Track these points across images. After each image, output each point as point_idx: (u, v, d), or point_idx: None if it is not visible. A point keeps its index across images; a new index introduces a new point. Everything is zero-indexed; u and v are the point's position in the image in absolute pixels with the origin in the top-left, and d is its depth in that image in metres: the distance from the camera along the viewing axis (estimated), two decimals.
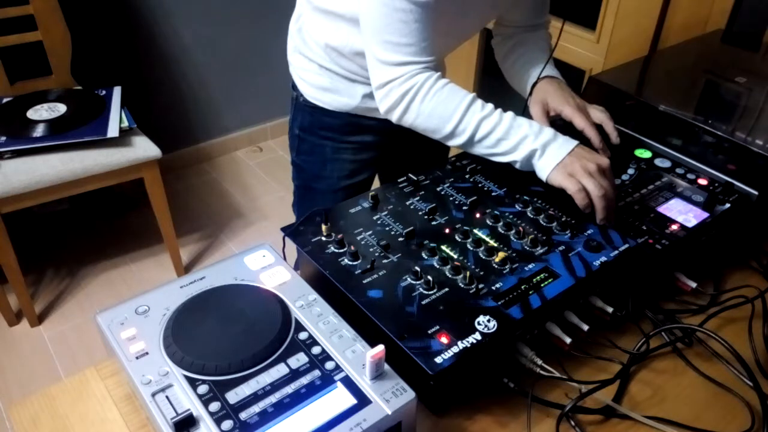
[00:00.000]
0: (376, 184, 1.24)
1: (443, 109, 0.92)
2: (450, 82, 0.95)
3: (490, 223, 0.87)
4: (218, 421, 0.60)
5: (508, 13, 1.16)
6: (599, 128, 1.02)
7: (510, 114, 0.93)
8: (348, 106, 1.15)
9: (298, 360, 0.66)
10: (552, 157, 0.89)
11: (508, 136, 0.91)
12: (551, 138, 0.91)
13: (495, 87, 1.19)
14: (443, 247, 0.82)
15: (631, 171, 1.00)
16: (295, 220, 0.96)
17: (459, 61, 2.23)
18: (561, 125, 1.01)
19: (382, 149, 1.24)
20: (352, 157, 1.22)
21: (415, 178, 0.96)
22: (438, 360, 0.67)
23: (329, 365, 0.66)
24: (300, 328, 0.70)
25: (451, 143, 0.96)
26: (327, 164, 1.22)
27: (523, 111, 1.11)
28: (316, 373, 0.65)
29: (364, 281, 0.77)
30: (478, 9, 1.05)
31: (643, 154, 1.04)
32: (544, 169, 0.90)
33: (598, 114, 1.05)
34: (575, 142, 0.91)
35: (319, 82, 1.15)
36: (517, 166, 0.92)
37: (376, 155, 1.25)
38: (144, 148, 1.85)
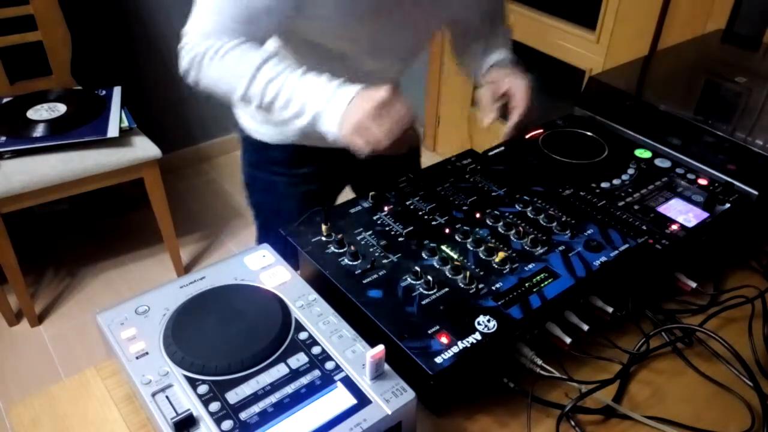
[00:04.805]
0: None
1: (232, 73, 0.85)
2: (248, 43, 0.86)
3: (490, 223, 0.87)
4: (218, 421, 0.60)
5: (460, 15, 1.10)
6: None
7: (298, 73, 0.85)
8: (288, 137, 1.10)
9: (298, 360, 0.66)
10: (334, 113, 0.82)
11: (294, 96, 0.84)
12: (333, 93, 0.82)
13: None
14: (443, 247, 0.82)
15: (631, 171, 1.00)
16: None
17: None
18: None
19: (333, 179, 1.20)
20: (305, 189, 1.17)
21: (416, 178, 0.96)
22: (438, 360, 0.67)
23: (329, 365, 0.66)
24: (300, 328, 0.70)
25: (251, 108, 0.89)
26: (282, 200, 1.18)
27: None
28: (316, 373, 0.65)
29: (364, 281, 0.77)
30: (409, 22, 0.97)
31: (643, 154, 1.04)
32: (330, 131, 0.83)
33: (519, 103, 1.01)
34: (354, 90, 0.82)
35: (255, 115, 1.11)
36: (320, 129, 0.85)
37: (327, 186, 1.21)
38: (144, 148, 1.85)
